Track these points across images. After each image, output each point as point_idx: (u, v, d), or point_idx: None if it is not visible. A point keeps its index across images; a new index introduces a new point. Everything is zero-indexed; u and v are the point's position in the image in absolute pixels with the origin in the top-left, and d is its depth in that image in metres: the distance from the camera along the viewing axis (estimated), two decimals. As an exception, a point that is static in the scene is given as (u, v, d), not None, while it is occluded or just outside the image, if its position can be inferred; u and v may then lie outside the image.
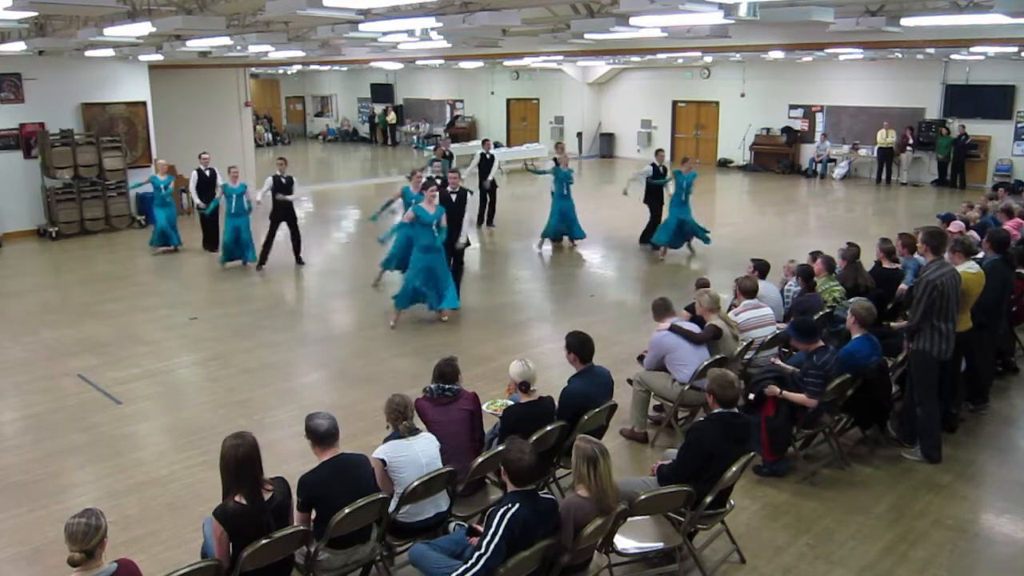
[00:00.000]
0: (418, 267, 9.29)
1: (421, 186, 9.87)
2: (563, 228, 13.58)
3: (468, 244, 10.37)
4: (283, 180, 11.88)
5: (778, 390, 5.68)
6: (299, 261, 12.39)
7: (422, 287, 9.32)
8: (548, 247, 13.69)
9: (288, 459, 5.64)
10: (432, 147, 15.68)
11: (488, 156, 14.90)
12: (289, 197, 11.85)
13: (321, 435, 4.17)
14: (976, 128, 19.87)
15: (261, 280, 11.90)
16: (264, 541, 3.73)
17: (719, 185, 21.93)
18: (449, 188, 10.10)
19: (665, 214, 13.09)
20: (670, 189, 12.91)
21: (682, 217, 12.79)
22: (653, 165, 13.21)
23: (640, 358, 6.76)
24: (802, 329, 5.83)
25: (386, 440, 4.53)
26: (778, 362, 6.02)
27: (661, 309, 6.53)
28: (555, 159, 13.74)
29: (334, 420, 4.22)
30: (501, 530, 3.68)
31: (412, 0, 7.63)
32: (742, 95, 24.21)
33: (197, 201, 12.87)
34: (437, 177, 11.15)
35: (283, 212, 11.96)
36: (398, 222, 10.21)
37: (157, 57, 14.10)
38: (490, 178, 14.79)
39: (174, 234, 13.40)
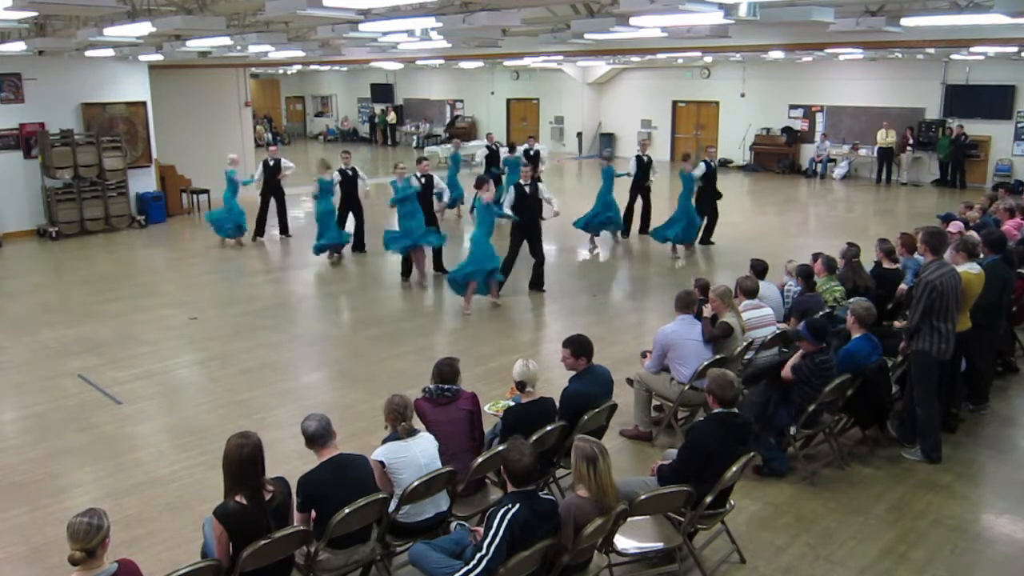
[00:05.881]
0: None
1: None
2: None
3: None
4: (348, 172, 12.76)
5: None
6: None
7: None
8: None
9: (288, 459, 5.64)
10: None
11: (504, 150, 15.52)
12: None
13: (309, 437, 4.17)
14: (976, 128, 19.87)
15: (261, 280, 11.92)
16: (264, 541, 3.73)
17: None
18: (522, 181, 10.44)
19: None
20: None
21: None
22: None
23: (644, 354, 6.75)
24: (814, 330, 5.73)
25: (384, 441, 4.53)
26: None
27: (683, 303, 6.39)
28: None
29: (324, 421, 4.20)
30: (502, 531, 3.68)
31: (412, 0, 7.63)
32: (742, 95, 24.20)
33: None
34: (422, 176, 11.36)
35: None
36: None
37: (157, 57, 14.10)
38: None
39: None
